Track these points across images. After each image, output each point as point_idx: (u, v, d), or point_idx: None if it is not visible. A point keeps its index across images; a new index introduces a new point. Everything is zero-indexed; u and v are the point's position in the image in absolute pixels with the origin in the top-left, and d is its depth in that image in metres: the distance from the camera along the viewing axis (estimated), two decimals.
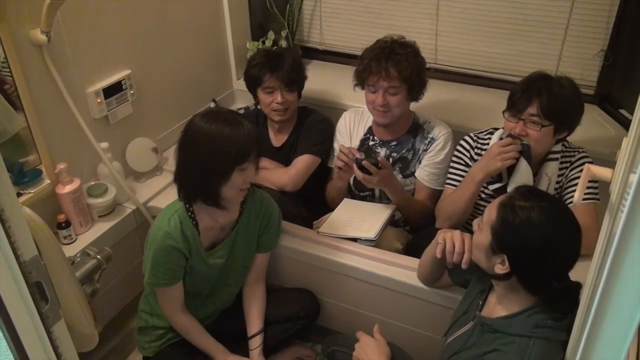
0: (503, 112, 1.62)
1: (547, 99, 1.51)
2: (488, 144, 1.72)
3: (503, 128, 1.69)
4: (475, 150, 1.75)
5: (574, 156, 1.65)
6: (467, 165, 1.75)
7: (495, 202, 1.17)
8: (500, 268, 1.14)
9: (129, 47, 1.96)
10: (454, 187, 1.75)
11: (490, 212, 1.16)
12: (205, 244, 1.59)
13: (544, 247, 1.10)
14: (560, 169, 1.65)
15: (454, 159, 1.79)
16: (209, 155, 1.43)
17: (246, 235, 1.65)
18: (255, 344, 1.69)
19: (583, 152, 1.66)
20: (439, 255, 1.32)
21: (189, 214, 1.54)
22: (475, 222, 1.26)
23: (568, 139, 1.67)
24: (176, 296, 1.61)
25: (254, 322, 1.72)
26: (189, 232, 1.53)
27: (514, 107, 1.57)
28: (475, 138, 1.77)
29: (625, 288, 0.60)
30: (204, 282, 1.65)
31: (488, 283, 1.28)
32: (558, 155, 1.64)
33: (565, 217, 1.14)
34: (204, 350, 1.66)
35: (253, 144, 1.45)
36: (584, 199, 1.57)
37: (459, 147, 1.79)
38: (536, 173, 1.66)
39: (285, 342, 1.85)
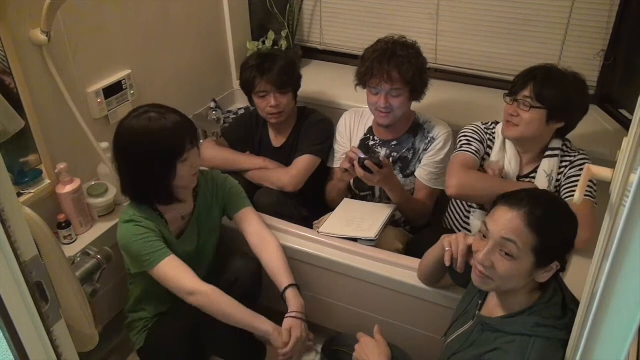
0: (504, 95, 1.65)
1: (541, 83, 1.55)
2: (495, 132, 1.74)
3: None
4: (487, 136, 1.75)
5: (574, 156, 1.65)
6: (481, 142, 1.73)
7: (521, 226, 1.10)
8: (546, 276, 1.13)
9: (129, 47, 1.96)
10: (467, 153, 1.70)
11: (522, 237, 1.10)
12: (175, 233, 1.63)
13: (575, 228, 1.15)
14: (559, 168, 1.65)
15: (467, 132, 1.75)
16: (144, 161, 1.46)
17: (208, 215, 1.69)
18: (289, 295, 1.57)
19: (584, 153, 1.67)
20: (447, 264, 1.30)
21: (152, 207, 1.57)
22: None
23: (570, 139, 1.68)
24: (180, 267, 1.52)
25: (281, 276, 1.60)
26: (157, 221, 1.57)
27: (512, 89, 1.62)
28: (484, 127, 1.77)
29: (625, 288, 0.60)
30: None
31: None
32: (557, 152, 1.65)
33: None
34: (245, 324, 1.51)
35: (183, 132, 1.46)
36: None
37: (471, 126, 1.77)
38: (535, 170, 1.66)
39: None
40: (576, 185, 1.57)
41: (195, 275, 1.53)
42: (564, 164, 1.65)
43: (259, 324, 1.51)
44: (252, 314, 1.53)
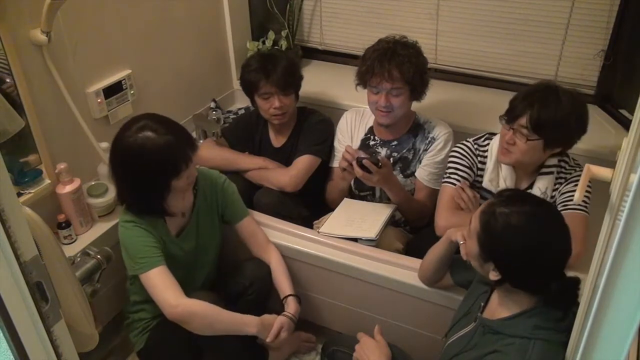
0: (500, 117, 1.60)
1: (537, 113, 1.48)
2: (487, 150, 1.71)
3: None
4: (478, 158, 1.72)
5: (570, 173, 1.62)
6: (470, 167, 1.71)
7: (477, 211, 1.18)
8: (494, 275, 1.14)
9: (129, 47, 1.96)
10: (454, 186, 1.70)
11: (474, 221, 1.17)
12: (174, 232, 1.63)
13: (529, 251, 1.10)
14: (555, 184, 1.63)
15: (455, 158, 1.73)
16: (139, 180, 1.49)
17: (208, 213, 1.69)
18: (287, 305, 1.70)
19: (581, 170, 1.62)
20: (465, 258, 1.30)
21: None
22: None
23: (572, 154, 1.65)
24: (169, 279, 1.53)
25: (284, 286, 1.73)
26: (156, 220, 1.58)
27: (508, 115, 1.56)
28: (476, 146, 1.73)
29: (625, 288, 0.60)
30: (181, 268, 1.64)
31: (490, 284, 1.28)
32: (553, 169, 1.62)
33: (548, 218, 1.14)
34: (232, 329, 1.55)
35: (178, 154, 1.46)
36: (572, 208, 1.55)
37: (460, 148, 1.73)
38: (529, 187, 1.65)
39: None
40: (570, 201, 1.55)
41: (181, 291, 1.51)
42: (559, 180, 1.62)
43: (246, 328, 1.56)
44: (237, 319, 1.55)
